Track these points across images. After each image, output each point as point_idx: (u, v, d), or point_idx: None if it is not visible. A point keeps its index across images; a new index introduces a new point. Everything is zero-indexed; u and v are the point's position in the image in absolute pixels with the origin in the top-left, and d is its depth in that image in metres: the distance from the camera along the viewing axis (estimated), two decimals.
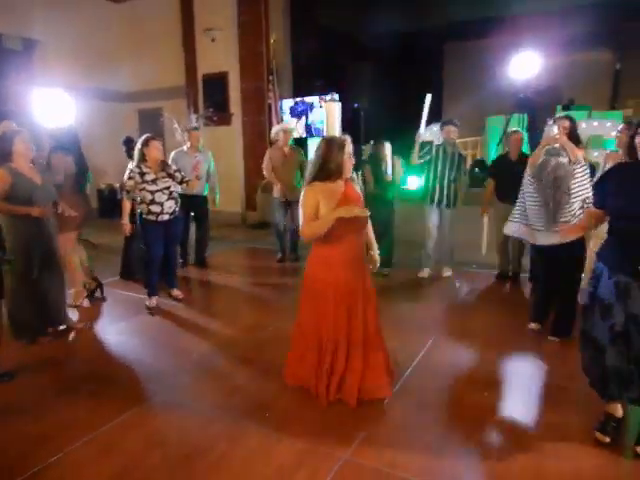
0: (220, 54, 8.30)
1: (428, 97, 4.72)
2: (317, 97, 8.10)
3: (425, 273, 5.24)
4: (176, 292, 4.69)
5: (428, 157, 5.00)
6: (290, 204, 5.79)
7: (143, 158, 4.23)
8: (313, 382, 2.75)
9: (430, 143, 5.32)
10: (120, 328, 4.06)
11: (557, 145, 3.41)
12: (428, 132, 6.38)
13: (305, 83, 9.25)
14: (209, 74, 8.41)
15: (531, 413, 2.76)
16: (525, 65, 7.95)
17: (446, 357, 3.40)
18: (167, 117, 6.81)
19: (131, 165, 4.44)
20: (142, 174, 4.19)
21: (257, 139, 8.23)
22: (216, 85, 8.39)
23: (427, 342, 3.59)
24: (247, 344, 3.69)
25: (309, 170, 2.61)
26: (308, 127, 8.59)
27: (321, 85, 9.03)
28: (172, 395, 2.95)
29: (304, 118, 8.30)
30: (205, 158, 5.50)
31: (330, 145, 2.55)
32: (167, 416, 2.75)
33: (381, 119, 8.47)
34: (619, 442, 2.38)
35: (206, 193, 5.67)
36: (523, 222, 3.61)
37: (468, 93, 9.25)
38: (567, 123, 3.48)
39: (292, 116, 8.34)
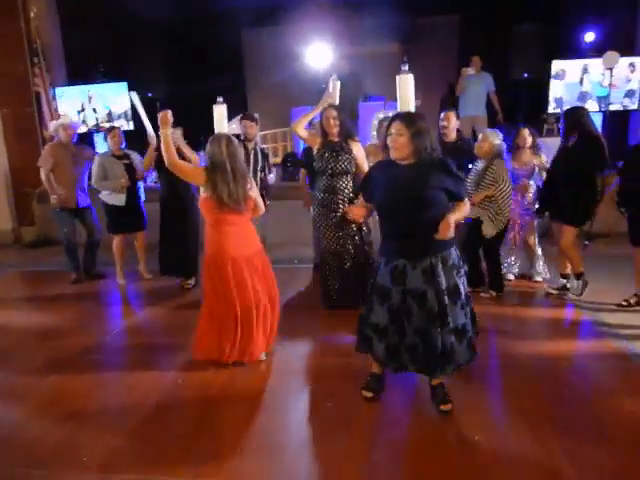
0: None
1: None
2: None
3: None
4: None
5: None
6: (81, 212, 4.90)
7: None
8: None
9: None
10: None
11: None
12: (234, 124, 5.85)
13: (84, 68, 7.81)
14: None
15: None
16: (321, 55, 8.02)
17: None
18: None
19: None
20: None
21: (24, 136, 6.62)
22: None
23: None
24: (51, 390, 2.97)
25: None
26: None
27: (105, 71, 7.78)
28: None
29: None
30: None
31: None
32: None
33: (182, 111, 7.60)
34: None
35: None
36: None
37: (272, 83, 8.99)
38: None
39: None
